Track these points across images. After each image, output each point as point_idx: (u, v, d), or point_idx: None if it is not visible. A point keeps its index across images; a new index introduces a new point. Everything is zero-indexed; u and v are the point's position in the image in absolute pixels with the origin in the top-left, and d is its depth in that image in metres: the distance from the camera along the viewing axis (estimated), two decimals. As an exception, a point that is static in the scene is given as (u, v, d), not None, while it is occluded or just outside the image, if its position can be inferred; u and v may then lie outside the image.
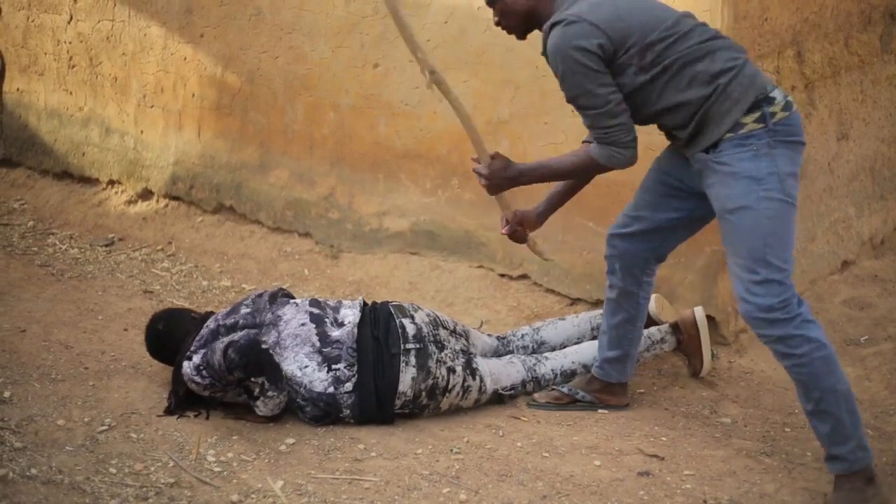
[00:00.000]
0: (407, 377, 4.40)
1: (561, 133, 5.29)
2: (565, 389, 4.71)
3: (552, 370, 4.81)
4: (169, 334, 4.69)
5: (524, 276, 5.63)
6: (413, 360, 4.42)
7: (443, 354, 4.49)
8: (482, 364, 4.63)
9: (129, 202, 7.24)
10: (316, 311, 4.56)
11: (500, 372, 4.69)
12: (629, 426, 4.49)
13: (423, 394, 4.44)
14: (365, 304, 4.67)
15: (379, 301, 4.75)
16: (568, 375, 4.81)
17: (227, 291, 6.11)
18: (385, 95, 5.95)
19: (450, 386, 4.49)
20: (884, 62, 5.75)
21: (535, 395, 4.74)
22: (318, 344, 4.42)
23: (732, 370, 4.98)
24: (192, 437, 4.23)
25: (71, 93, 7.63)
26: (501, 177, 4.33)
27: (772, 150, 3.86)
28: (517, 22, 4.15)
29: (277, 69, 6.40)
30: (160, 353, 4.75)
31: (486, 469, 4.08)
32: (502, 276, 5.66)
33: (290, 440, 4.27)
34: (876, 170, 5.84)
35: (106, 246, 6.84)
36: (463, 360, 4.55)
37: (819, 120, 5.39)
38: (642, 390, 4.89)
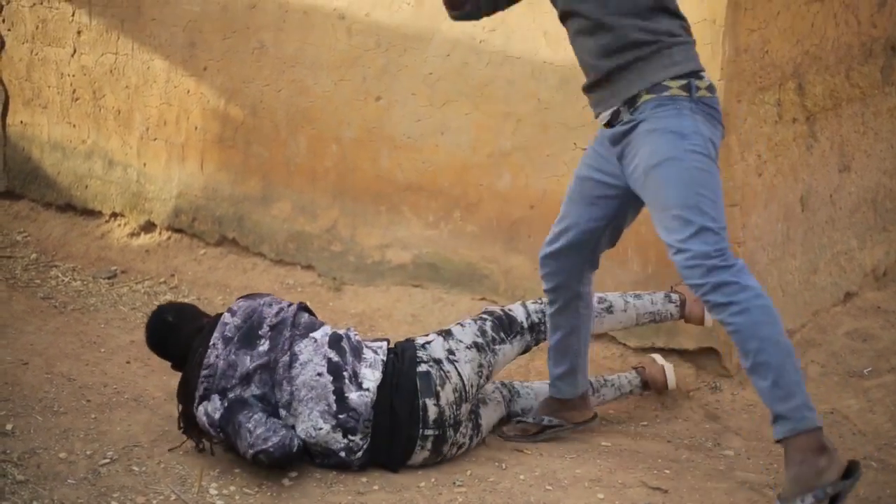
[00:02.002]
0: (419, 458, 4.35)
1: (563, 165, 5.30)
2: (530, 419, 4.70)
3: (522, 409, 4.84)
4: (176, 329, 4.51)
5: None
6: (429, 444, 4.33)
7: (458, 435, 4.42)
8: (484, 418, 4.62)
9: (132, 235, 7.25)
10: (335, 357, 4.32)
11: (491, 421, 4.70)
12: (632, 459, 4.48)
13: (431, 462, 4.42)
14: (390, 352, 4.46)
15: (405, 350, 4.47)
16: None
17: (230, 324, 6.10)
18: (387, 128, 5.97)
19: (456, 454, 4.49)
20: (885, 94, 5.76)
21: (505, 429, 4.74)
22: (334, 407, 4.24)
23: (735, 402, 4.98)
24: (194, 470, 4.22)
25: (74, 125, 7.65)
26: None
27: (693, 115, 3.84)
28: None
29: (280, 102, 6.42)
30: (161, 346, 4.58)
31: (488, 502, 4.07)
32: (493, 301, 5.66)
33: (293, 473, 4.25)
34: (878, 201, 5.84)
35: (108, 278, 6.85)
36: (472, 423, 4.51)
37: (821, 152, 5.40)
38: (645, 423, 4.88)
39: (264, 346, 4.31)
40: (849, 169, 5.59)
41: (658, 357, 5.03)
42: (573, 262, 4.37)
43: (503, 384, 4.86)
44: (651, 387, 4.97)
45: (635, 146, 3.90)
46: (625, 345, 5.30)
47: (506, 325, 4.61)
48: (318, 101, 6.24)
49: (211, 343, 4.32)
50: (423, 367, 4.37)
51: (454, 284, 5.82)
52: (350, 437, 4.24)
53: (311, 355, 4.30)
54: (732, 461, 4.52)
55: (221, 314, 4.46)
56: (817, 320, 5.42)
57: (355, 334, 4.50)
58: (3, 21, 7.99)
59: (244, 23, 6.50)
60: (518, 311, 4.69)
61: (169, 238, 7.06)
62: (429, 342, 4.48)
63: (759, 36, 4.93)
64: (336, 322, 5.94)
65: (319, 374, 4.26)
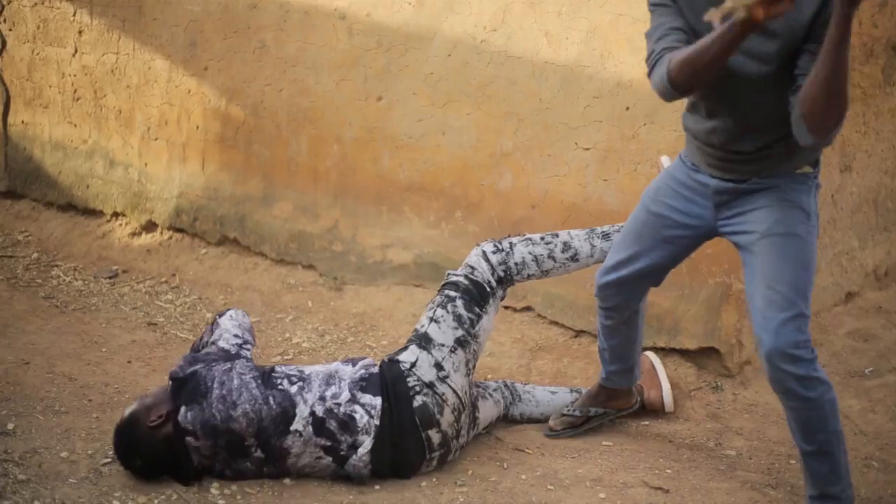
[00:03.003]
0: (424, 471, 4.34)
1: (564, 165, 5.31)
2: (577, 412, 4.71)
3: (521, 414, 4.85)
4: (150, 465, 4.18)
5: (528, 309, 5.63)
6: (435, 463, 4.33)
7: (460, 442, 4.41)
8: (482, 412, 4.61)
9: (133, 234, 7.25)
10: (328, 443, 4.16)
11: (489, 415, 4.70)
12: (634, 458, 4.49)
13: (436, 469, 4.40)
14: (385, 406, 4.22)
15: (395, 382, 4.29)
16: (530, 421, 4.85)
17: (231, 323, 6.10)
18: (388, 128, 5.97)
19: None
20: (886, 94, 5.76)
21: (551, 424, 4.75)
22: (338, 471, 4.21)
23: (737, 402, 4.98)
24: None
25: (75, 125, 7.65)
26: None
27: (816, 193, 3.90)
28: None
29: (281, 102, 6.42)
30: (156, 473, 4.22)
31: (490, 502, 4.07)
32: (506, 308, 5.66)
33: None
34: (879, 201, 5.84)
35: (110, 278, 6.85)
36: (470, 419, 4.49)
37: (822, 152, 5.40)
38: (647, 422, 4.88)
39: (258, 452, 4.15)
40: (850, 169, 5.59)
41: (653, 356, 5.06)
42: (635, 288, 4.35)
43: (506, 385, 4.86)
44: (648, 408, 4.94)
45: (756, 206, 3.88)
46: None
47: (476, 297, 4.52)
48: (319, 100, 6.24)
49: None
50: (418, 401, 4.27)
51: (455, 284, 5.82)
52: (353, 473, 4.23)
53: (303, 447, 4.16)
54: (734, 461, 4.52)
55: (181, 430, 4.11)
56: (819, 320, 5.42)
57: (336, 389, 4.25)
58: (5, 21, 7.99)
59: (245, 23, 6.50)
60: (482, 270, 4.57)
61: (170, 238, 7.06)
62: (414, 363, 4.35)
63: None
64: (337, 322, 5.94)
65: (318, 458, 4.18)
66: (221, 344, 4.48)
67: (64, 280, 6.84)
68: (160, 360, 5.48)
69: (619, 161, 5.15)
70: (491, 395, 4.72)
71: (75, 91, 7.57)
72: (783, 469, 4.42)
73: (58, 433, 4.46)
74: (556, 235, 4.70)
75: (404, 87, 5.86)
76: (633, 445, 4.64)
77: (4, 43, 8.01)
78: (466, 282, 4.54)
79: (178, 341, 5.80)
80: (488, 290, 4.54)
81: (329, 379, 4.26)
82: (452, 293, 4.53)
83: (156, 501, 3.97)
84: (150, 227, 7.19)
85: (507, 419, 4.81)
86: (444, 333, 4.42)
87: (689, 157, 4.08)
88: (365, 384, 4.25)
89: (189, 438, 4.06)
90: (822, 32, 3.44)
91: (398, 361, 4.38)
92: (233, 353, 4.41)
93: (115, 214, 7.43)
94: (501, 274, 4.58)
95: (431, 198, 5.88)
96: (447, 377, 4.33)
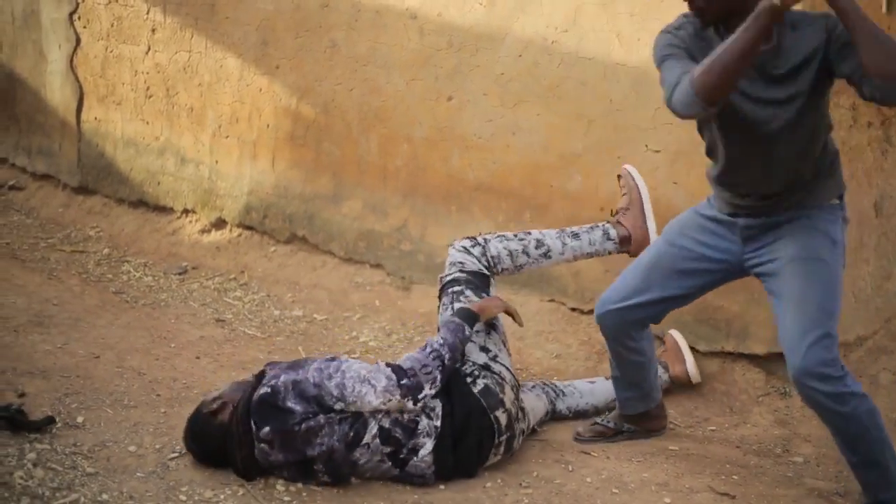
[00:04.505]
0: (491, 462, 4.32)
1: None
2: (611, 424, 4.70)
3: (567, 408, 4.85)
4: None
5: (595, 311, 5.62)
6: (502, 450, 4.31)
7: (521, 426, 4.40)
8: (527, 402, 4.58)
9: (203, 231, 7.30)
10: (390, 448, 4.10)
11: (535, 407, 4.68)
12: (700, 463, 4.45)
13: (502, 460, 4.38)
14: (445, 407, 4.19)
15: (457, 389, 4.24)
16: (580, 414, 4.86)
17: (299, 321, 6.13)
18: (458, 128, 5.97)
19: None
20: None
21: (580, 430, 4.72)
22: (399, 475, 4.16)
23: (805, 409, 4.91)
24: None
25: (147, 122, 7.71)
26: None
27: (844, 224, 3.98)
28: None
29: (352, 101, 6.44)
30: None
31: (554, 504, 4.06)
32: (573, 310, 5.64)
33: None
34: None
35: (179, 274, 6.90)
36: (523, 414, 4.47)
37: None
38: (713, 428, 4.85)
39: (325, 478, 4.11)
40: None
41: (676, 333, 5.13)
42: (635, 321, 4.37)
43: (544, 383, 4.87)
44: (675, 383, 5.05)
45: (779, 235, 3.96)
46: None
47: (479, 283, 4.63)
48: (389, 100, 6.25)
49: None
50: (479, 384, 4.29)
51: (523, 285, 5.80)
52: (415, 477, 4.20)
53: (369, 457, 4.09)
54: (801, 468, 4.48)
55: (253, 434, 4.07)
56: (889, 327, 5.35)
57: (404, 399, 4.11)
58: (79, 18, 8.08)
59: (317, 22, 6.52)
60: (470, 262, 4.69)
61: (239, 235, 7.11)
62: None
63: (835, 39, 4.87)
64: (405, 322, 5.94)
65: (380, 462, 4.12)
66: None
67: (134, 275, 6.91)
68: (228, 356, 5.51)
69: (689, 164, 5.11)
70: (531, 390, 4.72)
71: (147, 88, 7.63)
72: (851, 477, 4.35)
73: (126, 427, 4.49)
74: (529, 233, 4.82)
75: (475, 87, 5.85)
76: (699, 450, 4.60)
77: (79, 40, 8.10)
78: (464, 274, 4.65)
79: (245, 338, 5.84)
80: (485, 273, 4.67)
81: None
82: (458, 287, 4.61)
83: (221, 496, 3.98)
84: (219, 224, 7.24)
85: (556, 417, 4.80)
86: None
87: (716, 203, 4.16)
88: None
89: (264, 445, 4.02)
90: (841, 45, 3.61)
91: None
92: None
93: (186, 211, 7.49)
94: (486, 263, 4.69)
95: (500, 198, 5.87)
96: (496, 357, 4.41)
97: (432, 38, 6.00)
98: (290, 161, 6.82)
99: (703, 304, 5.08)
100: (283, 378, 4.03)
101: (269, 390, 4.02)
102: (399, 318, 6.03)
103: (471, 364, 4.36)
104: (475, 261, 4.69)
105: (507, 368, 4.41)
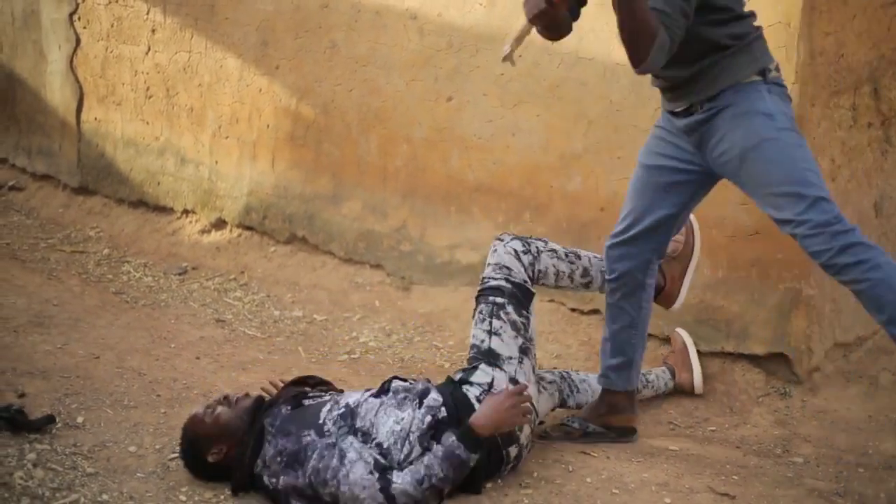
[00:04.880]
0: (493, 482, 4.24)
1: (634, 167, 5.28)
2: (576, 424, 4.68)
3: (577, 403, 4.82)
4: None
5: (595, 311, 5.61)
6: (508, 469, 4.22)
7: (528, 449, 4.32)
8: (540, 405, 4.54)
9: (203, 231, 7.30)
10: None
11: (545, 407, 4.65)
12: (700, 464, 4.45)
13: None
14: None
15: (460, 409, 4.08)
16: None
17: (299, 322, 6.13)
18: (458, 129, 5.97)
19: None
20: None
21: (549, 430, 4.69)
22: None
23: (805, 409, 4.93)
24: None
25: (147, 122, 7.71)
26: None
27: (771, 95, 3.97)
28: None
29: (352, 101, 6.44)
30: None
31: (554, 504, 4.06)
32: (573, 310, 5.64)
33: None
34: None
35: (179, 274, 6.90)
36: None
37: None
38: (713, 428, 4.85)
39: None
40: None
41: (684, 334, 5.12)
42: (642, 251, 4.41)
43: (562, 378, 4.80)
44: (678, 390, 5.07)
45: (720, 131, 4.00)
46: (655, 336, 5.25)
47: (522, 299, 4.43)
48: (389, 100, 6.25)
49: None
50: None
51: (523, 286, 5.80)
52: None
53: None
54: (801, 468, 4.48)
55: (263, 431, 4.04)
56: (890, 327, 5.35)
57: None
58: (79, 19, 8.08)
59: (316, 22, 6.52)
60: (518, 270, 4.47)
61: (239, 235, 7.11)
62: (490, 383, 4.21)
63: (834, 39, 4.88)
64: (405, 322, 5.95)
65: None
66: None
67: (134, 276, 6.91)
68: (228, 356, 5.51)
69: (690, 164, 5.11)
70: (546, 388, 4.68)
71: (147, 89, 7.64)
72: (851, 477, 4.37)
73: (126, 427, 4.49)
74: (579, 257, 4.66)
75: (474, 87, 5.85)
76: (699, 451, 4.60)
77: (78, 41, 8.10)
78: (509, 285, 4.45)
79: (245, 338, 5.84)
80: (530, 289, 4.49)
81: (398, 441, 4.00)
82: (500, 299, 4.41)
83: (222, 496, 3.98)
84: (219, 224, 7.24)
85: (562, 406, 4.79)
86: (507, 345, 4.34)
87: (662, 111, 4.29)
88: (434, 431, 4.03)
89: (267, 475, 3.96)
90: None
91: (471, 384, 4.24)
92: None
93: (186, 211, 7.49)
94: (531, 274, 4.53)
95: (500, 199, 5.87)
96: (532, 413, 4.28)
97: (432, 38, 6.00)
98: (289, 161, 6.82)
99: (703, 304, 5.09)
100: (282, 481, 3.91)
101: (270, 487, 3.95)
102: (399, 318, 6.03)
103: None
104: (522, 270, 4.48)
105: (535, 406, 4.31)
